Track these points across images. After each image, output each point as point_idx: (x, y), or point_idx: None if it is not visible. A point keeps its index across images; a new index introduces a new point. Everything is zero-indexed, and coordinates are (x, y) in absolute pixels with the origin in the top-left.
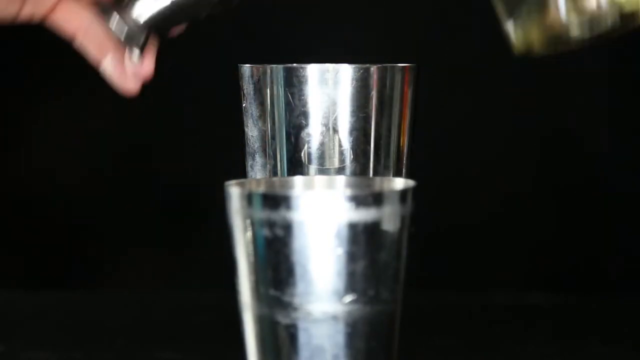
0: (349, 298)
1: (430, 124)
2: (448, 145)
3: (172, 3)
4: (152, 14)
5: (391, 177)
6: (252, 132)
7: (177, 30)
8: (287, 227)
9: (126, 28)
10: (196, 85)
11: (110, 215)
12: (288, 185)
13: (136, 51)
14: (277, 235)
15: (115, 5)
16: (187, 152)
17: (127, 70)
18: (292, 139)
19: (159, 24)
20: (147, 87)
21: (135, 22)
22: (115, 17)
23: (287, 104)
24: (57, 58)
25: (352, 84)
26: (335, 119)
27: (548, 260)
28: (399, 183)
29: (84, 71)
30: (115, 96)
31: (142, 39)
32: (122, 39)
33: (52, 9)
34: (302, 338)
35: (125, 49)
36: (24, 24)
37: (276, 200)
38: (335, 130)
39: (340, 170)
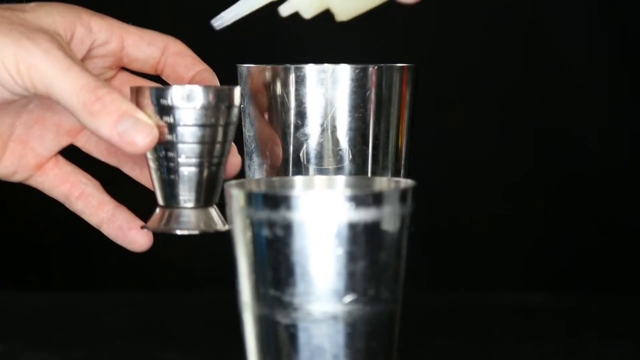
0: (349, 298)
1: (429, 123)
2: (447, 146)
3: None
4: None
5: (391, 177)
6: (249, 132)
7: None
8: (287, 227)
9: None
10: None
11: None
12: (288, 185)
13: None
14: (277, 235)
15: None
16: None
17: (132, 230)
18: (290, 139)
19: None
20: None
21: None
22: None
23: (285, 104)
24: None
25: (350, 83)
26: (334, 119)
27: (548, 260)
28: (399, 183)
29: None
30: None
31: None
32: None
33: (38, 168)
34: (302, 338)
35: (125, 210)
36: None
37: (276, 200)
38: (333, 130)
39: (339, 170)
